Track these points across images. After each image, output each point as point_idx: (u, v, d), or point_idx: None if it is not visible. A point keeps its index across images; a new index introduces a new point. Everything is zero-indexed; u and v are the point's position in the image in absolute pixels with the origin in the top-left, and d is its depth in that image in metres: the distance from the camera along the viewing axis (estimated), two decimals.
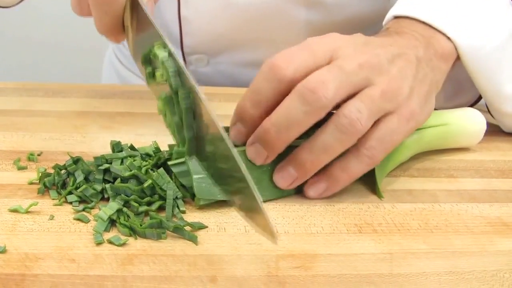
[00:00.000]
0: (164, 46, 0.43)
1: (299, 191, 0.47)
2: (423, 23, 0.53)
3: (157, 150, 0.48)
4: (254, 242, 0.40)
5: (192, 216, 0.43)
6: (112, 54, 0.92)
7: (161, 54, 0.43)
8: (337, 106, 0.44)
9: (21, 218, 0.41)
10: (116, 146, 0.48)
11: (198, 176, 0.43)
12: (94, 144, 0.53)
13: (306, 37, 0.46)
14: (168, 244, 0.39)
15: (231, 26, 0.73)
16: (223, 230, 0.42)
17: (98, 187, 0.44)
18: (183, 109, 0.42)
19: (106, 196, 0.44)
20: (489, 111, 0.60)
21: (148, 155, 0.48)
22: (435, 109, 0.51)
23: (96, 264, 0.37)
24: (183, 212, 0.43)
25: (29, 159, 0.49)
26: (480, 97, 0.61)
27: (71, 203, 0.43)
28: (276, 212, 0.44)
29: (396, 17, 0.56)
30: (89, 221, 0.41)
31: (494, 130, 0.61)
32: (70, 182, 0.44)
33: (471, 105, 0.61)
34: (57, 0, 1.57)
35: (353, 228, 0.43)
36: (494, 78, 0.56)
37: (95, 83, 0.72)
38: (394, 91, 0.45)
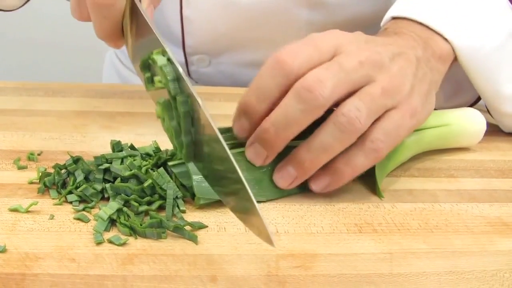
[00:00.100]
0: (163, 52, 0.43)
1: (300, 191, 0.47)
2: (421, 24, 0.53)
3: (157, 149, 0.48)
4: (254, 242, 0.40)
5: (192, 215, 0.43)
6: (113, 54, 0.92)
7: (160, 60, 0.42)
8: (339, 104, 0.44)
9: (21, 217, 0.41)
10: (116, 146, 0.48)
11: (198, 176, 0.43)
12: (94, 143, 0.53)
13: None
14: (168, 244, 0.39)
15: (233, 26, 0.73)
16: (223, 230, 0.42)
17: (98, 186, 0.44)
18: (181, 114, 0.42)
19: (106, 195, 0.44)
20: (488, 111, 0.60)
21: (148, 154, 0.48)
22: (435, 109, 0.51)
23: (96, 264, 0.37)
24: (183, 211, 0.43)
25: (29, 159, 0.49)
26: (480, 97, 0.61)
27: (71, 202, 0.43)
28: (276, 212, 0.44)
29: (394, 18, 0.56)
30: (89, 221, 0.41)
31: (494, 130, 0.61)
32: (70, 181, 0.44)
33: (471, 105, 0.61)
34: (57, 1, 1.57)
35: (353, 228, 0.43)
36: (493, 79, 0.56)
37: (95, 83, 0.72)
38: (395, 88, 0.45)
